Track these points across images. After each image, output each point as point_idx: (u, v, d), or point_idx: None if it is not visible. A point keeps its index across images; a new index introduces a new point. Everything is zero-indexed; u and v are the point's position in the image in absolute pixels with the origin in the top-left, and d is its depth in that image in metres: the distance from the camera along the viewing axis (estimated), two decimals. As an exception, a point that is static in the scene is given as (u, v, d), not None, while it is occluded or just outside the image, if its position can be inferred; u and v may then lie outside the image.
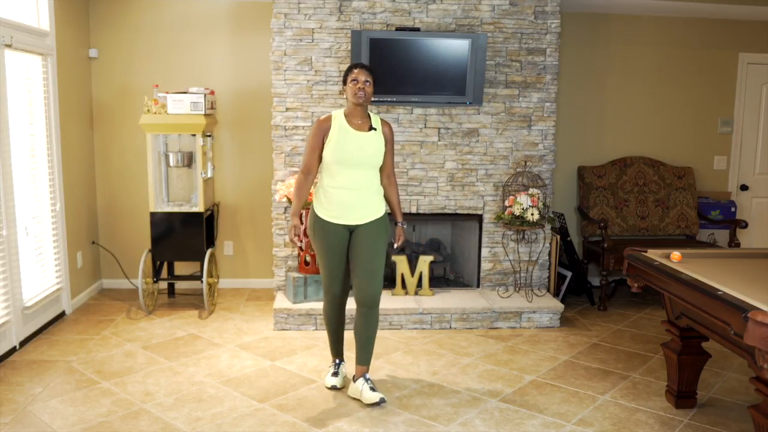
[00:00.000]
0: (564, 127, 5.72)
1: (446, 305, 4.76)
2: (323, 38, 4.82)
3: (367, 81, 3.40)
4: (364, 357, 3.58)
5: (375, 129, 3.47)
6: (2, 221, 3.96)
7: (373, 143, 3.45)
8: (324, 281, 3.61)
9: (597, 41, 5.74)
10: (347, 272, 3.58)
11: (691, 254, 3.46)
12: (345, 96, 3.50)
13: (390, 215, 3.67)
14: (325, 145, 3.44)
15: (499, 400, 3.61)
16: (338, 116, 3.46)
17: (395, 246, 3.67)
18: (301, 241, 3.64)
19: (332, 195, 3.45)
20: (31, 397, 3.53)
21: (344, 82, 3.46)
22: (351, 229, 3.51)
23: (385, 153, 3.51)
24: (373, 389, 3.50)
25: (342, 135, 3.41)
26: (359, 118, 3.47)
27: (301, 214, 4.52)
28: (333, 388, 3.68)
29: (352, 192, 3.44)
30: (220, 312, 5.06)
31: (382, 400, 3.47)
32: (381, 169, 3.55)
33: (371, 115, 3.52)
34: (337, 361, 3.78)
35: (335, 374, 3.73)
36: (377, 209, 3.52)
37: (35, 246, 4.49)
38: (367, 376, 3.57)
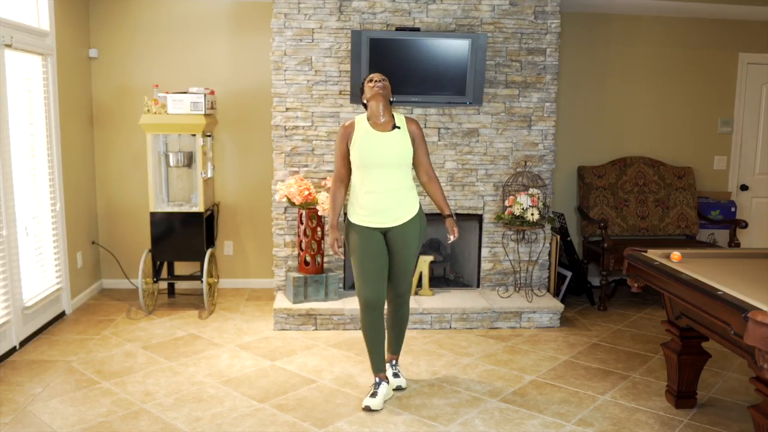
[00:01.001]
0: (564, 127, 5.73)
1: (446, 305, 4.76)
2: (323, 38, 4.82)
3: (383, 79, 3.45)
4: (394, 346, 3.75)
5: (399, 127, 3.44)
6: (2, 221, 3.96)
7: (397, 142, 3.41)
8: (357, 287, 3.48)
9: (597, 41, 5.74)
10: (383, 276, 3.49)
11: (691, 254, 3.46)
12: (364, 102, 3.47)
13: (436, 213, 3.67)
14: (350, 150, 3.43)
15: (499, 400, 3.61)
16: (361, 120, 3.46)
17: (450, 239, 3.61)
18: (340, 253, 3.58)
19: (363, 199, 3.43)
20: (31, 397, 3.53)
21: (361, 92, 3.48)
22: (384, 231, 3.47)
23: (416, 150, 3.48)
24: (396, 375, 3.70)
25: (365, 137, 3.40)
26: (382, 118, 3.43)
27: (307, 216, 4.52)
28: (367, 409, 3.43)
29: (382, 194, 3.41)
30: (220, 312, 5.06)
31: (399, 387, 3.67)
32: (417, 167, 3.53)
33: (395, 114, 3.49)
34: (378, 380, 3.53)
35: (374, 395, 3.47)
36: (410, 209, 3.49)
37: (35, 246, 4.49)
38: (395, 362, 3.74)
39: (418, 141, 3.49)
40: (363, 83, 3.50)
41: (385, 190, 3.41)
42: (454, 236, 3.60)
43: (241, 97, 5.48)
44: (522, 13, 4.91)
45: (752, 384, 2.71)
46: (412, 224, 3.49)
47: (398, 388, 3.67)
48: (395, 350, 3.76)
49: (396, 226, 3.46)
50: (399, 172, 3.43)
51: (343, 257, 3.76)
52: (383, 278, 3.48)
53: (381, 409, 3.45)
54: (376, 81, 3.43)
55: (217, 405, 3.48)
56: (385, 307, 3.58)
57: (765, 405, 2.67)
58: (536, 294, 5.01)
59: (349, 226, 3.51)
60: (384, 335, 3.56)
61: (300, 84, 4.86)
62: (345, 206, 4.04)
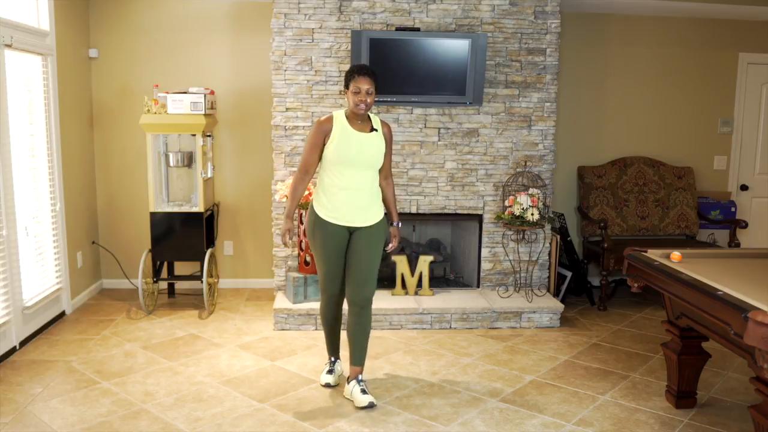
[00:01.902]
0: (564, 127, 5.72)
1: (446, 305, 4.75)
2: (323, 38, 4.82)
3: (369, 90, 3.38)
4: (357, 357, 3.57)
5: (376, 130, 3.48)
6: (2, 221, 3.96)
7: (374, 144, 3.46)
8: (321, 281, 3.61)
9: (597, 41, 5.74)
10: (343, 272, 3.58)
11: (691, 254, 3.46)
12: (341, 92, 3.49)
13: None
14: (326, 146, 3.43)
15: (499, 400, 3.61)
16: (339, 117, 3.46)
17: (389, 248, 3.66)
18: (294, 243, 3.64)
19: (335, 196, 3.45)
20: (31, 397, 3.53)
21: (346, 86, 3.43)
22: (351, 231, 3.51)
23: (385, 154, 3.53)
24: (364, 391, 3.49)
25: (344, 136, 3.41)
26: (361, 119, 3.47)
27: (301, 215, 4.52)
28: (327, 385, 3.72)
29: (354, 193, 3.45)
30: (220, 312, 5.06)
31: (371, 404, 3.43)
32: (379, 170, 3.56)
33: (371, 116, 3.53)
34: (333, 359, 3.81)
35: (330, 372, 3.77)
36: (378, 212, 3.54)
37: (35, 246, 4.49)
38: (360, 377, 3.56)
39: (389, 145, 3.55)
40: (348, 78, 3.40)
41: (355, 190, 3.45)
42: (393, 246, 3.67)
43: (241, 97, 5.48)
44: (522, 13, 4.91)
45: (752, 384, 2.71)
46: (379, 227, 3.54)
47: (370, 406, 3.43)
48: (359, 361, 3.57)
49: (364, 227, 3.49)
50: (369, 174, 3.48)
51: (290, 248, 3.78)
52: (343, 274, 3.58)
53: (336, 384, 3.70)
54: (361, 97, 3.36)
55: (217, 405, 3.48)
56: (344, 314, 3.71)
57: (765, 405, 2.67)
58: (536, 294, 5.01)
59: (315, 220, 3.51)
60: (341, 323, 3.78)
61: (300, 84, 4.86)
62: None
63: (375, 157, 3.46)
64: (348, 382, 3.59)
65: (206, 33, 5.40)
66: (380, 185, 3.60)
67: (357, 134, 3.43)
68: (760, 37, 5.89)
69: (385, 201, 3.65)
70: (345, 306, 3.79)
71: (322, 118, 3.49)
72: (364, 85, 3.36)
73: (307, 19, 4.80)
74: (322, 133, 3.43)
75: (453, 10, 4.86)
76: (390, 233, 3.67)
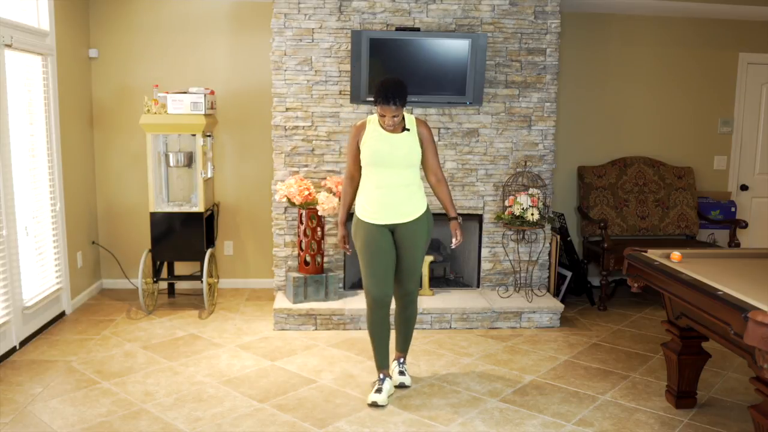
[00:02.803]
0: (564, 127, 5.72)
1: (446, 305, 4.76)
2: (323, 38, 4.82)
3: (394, 116, 3.37)
4: (401, 345, 3.75)
5: (408, 130, 3.48)
6: (2, 221, 3.96)
7: (405, 144, 3.46)
8: (365, 283, 3.53)
9: (597, 41, 5.74)
10: (391, 274, 3.53)
11: (691, 254, 3.46)
12: (374, 104, 3.46)
13: (440, 214, 3.70)
14: (360, 149, 3.49)
15: (499, 400, 3.61)
16: (372, 120, 3.52)
17: (453, 243, 3.63)
18: (348, 249, 3.67)
19: (371, 196, 3.49)
20: (31, 397, 3.53)
21: (374, 103, 3.38)
22: (392, 229, 3.52)
23: (425, 152, 3.52)
24: (401, 373, 3.71)
25: (375, 137, 3.46)
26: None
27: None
28: (374, 405, 3.47)
29: (388, 191, 3.46)
30: (220, 312, 5.06)
31: (401, 384, 3.67)
32: (425, 169, 3.58)
33: (406, 116, 3.52)
34: (382, 376, 3.60)
35: (378, 390, 3.52)
36: (416, 207, 3.52)
37: (35, 246, 4.49)
38: (402, 360, 3.75)
39: (427, 143, 3.52)
40: (376, 98, 3.35)
41: (392, 187, 3.46)
42: (457, 239, 3.62)
43: (241, 97, 5.48)
44: (522, 13, 4.91)
45: (752, 384, 2.71)
46: (420, 222, 3.53)
47: (401, 386, 3.68)
48: (403, 348, 3.77)
49: (404, 223, 3.50)
50: (407, 172, 3.48)
51: (350, 253, 3.80)
52: (390, 276, 3.53)
53: (386, 405, 3.48)
54: (387, 119, 3.36)
55: (217, 405, 3.48)
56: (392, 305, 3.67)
57: (765, 405, 2.67)
58: (536, 294, 5.01)
59: (356, 222, 3.56)
60: (389, 332, 3.61)
61: (300, 84, 4.86)
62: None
63: (408, 156, 3.45)
64: (392, 362, 3.74)
65: (206, 33, 5.40)
66: (431, 184, 3.61)
67: (387, 135, 3.46)
68: (760, 37, 5.89)
69: (439, 199, 3.65)
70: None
71: (357, 123, 3.57)
72: (389, 113, 3.37)
73: (307, 19, 4.80)
74: (356, 137, 3.51)
75: (453, 10, 4.86)
76: (451, 228, 3.63)
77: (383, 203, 3.47)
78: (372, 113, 4.75)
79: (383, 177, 3.46)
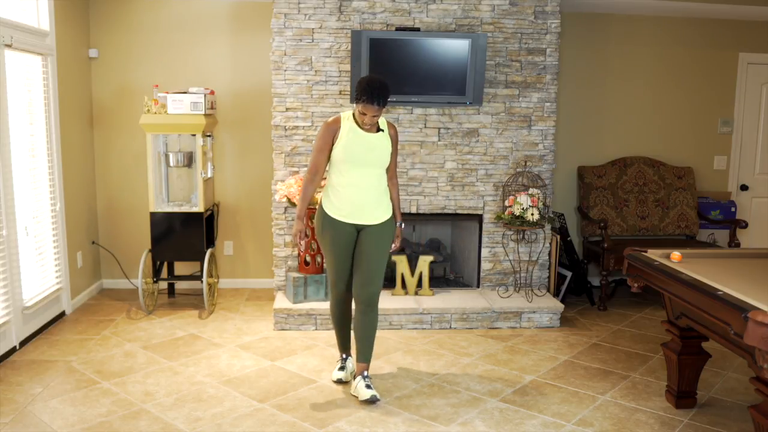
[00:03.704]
0: (564, 127, 5.72)
1: (446, 305, 4.75)
2: (323, 38, 4.82)
3: (375, 115, 3.41)
4: (363, 355, 3.61)
5: (382, 130, 3.53)
6: (2, 221, 3.96)
7: (380, 144, 3.51)
8: (330, 278, 3.66)
9: (597, 41, 5.74)
10: (351, 270, 3.62)
11: (691, 254, 3.46)
12: (353, 103, 3.50)
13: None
14: (334, 146, 3.49)
15: (499, 400, 3.61)
16: (347, 118, 3.52)
17: (393, 247, 3.68)
18: (306, 244, 3.68)
19: (343, 194, 3.51)
20: (31, 397, 3.53)
21: (357, 99, 3.38)
22: (359, 229, 3.56)
23: (391, 154, 3.56)
24: (368, 387, 3.52)
25: (351, 136, 3.47)
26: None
27: (310, 216, 4.52)
28: (339, 381, 3.75)
29: (362, 191, 3.50)
30: (220, 312, 5.06)
31: (374, 398, 3.48)
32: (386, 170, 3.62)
33: None
34: (344, 356, 3.84)
35: (342, 368, 3.80)
36: (386, 211, 3.58)
37: (35, 246, 4.49)
38: (366, 373, 3.60)
39: (394, 145, 3.59)
40: (358, 97, 3.36)
41: (365, 187, 3.50)
42: (396, 246, 3.68)
43: (241, 97, 5.48)
44: (522, 13, 4.91)
45: (752, 384, 2.71)
46: (387, 225, 3.59)
47: (373, 400, 3.47)
48: (365, 358, 3.61)
49: (372, 225, 3.54)
50: (376, 173, 3.53)
51: (303, 248, 3.81)
52: (352, 272, 3.61)
53: (348, 381, 3.71)
54: (367, 118, 3.39)
55: (217, 405, 3.48)
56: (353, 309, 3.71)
57: (765, 405, 2.67)
58: (536, 294, 5.01)
59: (324, 218, 3.56)
60: (350, 320, 3.75)
61: (300, 84, 4.86)
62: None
63: (381, 156, 3.51)
64: (353, 378, 3.64)
65: (206, 33, 5.40)
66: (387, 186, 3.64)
67: (364, 134, 3.48)
68: (760, 37, 5.89)
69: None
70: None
71: (330, 119, 3.55)
72: (371, 112, 3.39)
73: (307, 19, 4.80)
74: (330, 133, 3.50)
75: (453, 10, 4.86)
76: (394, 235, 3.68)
77: (354, 203, 3.50)
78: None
79: (356, 176, 3.48)
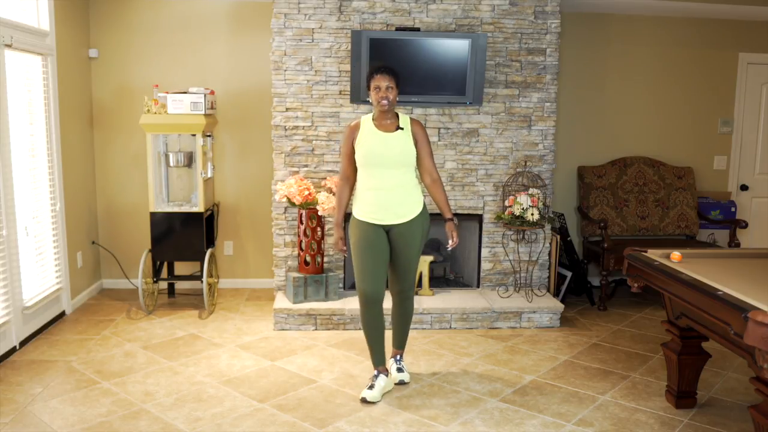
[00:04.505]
0: (564, 127, 5.72)
1: (446, 305, 4.75)
2: (323, 38, 4.82)
3: (388, 86, 3.41)
4: (397, 341, 3.79)
5: (402, 129, 3.48)
6: (2, 221, 3.96)
7: (399, 143, 3.46)
8: (357, 281, 3.55)
9: (597, 41, 5.74)
10: (383, 272, 3.54)
11: (691, 254, 3.46)
12: (368, 99, 3.50)
13: (438, 214, 3.70)
14: (355, 149, 3.49)
15: (499, 400, 3.61)
16: (366, 120, 3.52)
17: (449, 245, 3.59)
18: (345, 251, 3.65)
19: (366, 196, 3.50)
20: (31, 397, 3.53)
21: (368, 87, 3.46)
22: (387, 229, 3.52)
23: (419, 152, 3.51)
24: (400, 370, 3.73)
25: (368, 137, 3.46)
26: (386, 119, 3.49)
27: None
28: (363, 401, 3.50)
29: (384, 192, 3.47)
30: (220, 312, 5.06)
31: (401, 382, 3.71)
32: (420, 168, 3.57)
33: (400, 115, 3.53)
34: (376, 372, 3.61)
35: (371, 387, 3.55)
36: (412, 208, 3.52)
37: (35, 246, 4.49)
38: (399, 357, 3.79)
39: (421, 142, 3.51)
40: (369, 79, 3.46)
41: (387, 188, 3.46)
42: (453, 241, 3.59)
43: (241, 97, 5.48)
44: (522, 13, 4.91)
45: (752, 384, 2.71)
46: (415, 223, 3.53)
47: (401, 383, 3.72)
48: (400, 344, 3.80)
49: (399, 224, 3.50)
50: (401, 172, 3.48)
51: (346, 255, 3.80)
52: (383, 273, 3.54)
53: (378, 402, 3.51)
54: (382, 94, 3.41)
55: (217, 405, 3.48)
56: (389, 302, 3.73)
57: (765, 405, 2.67)
58: (536, 294, 5.01)
59: (353, 222, 3.57)
60: (383, 329, 3.62)
61: (300, 84, 4.86)
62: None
63: (402, 155, 3.45)
64: (389, 360, 3.79)
65: (206, 33, 5.40)
66: (426, 184, 3.60)
67: (381, 134, 3.46)
68: (760, 37, 5.89)
69: (434, 200, 3.62)
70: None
71: (351, 123, 3.56)
72: (383, 82, 3.40)
73: (307, 19, 4.80)
74: (350, 137, 3.51)
75: (453, 10, 4.86)
76: (446, 230, 3.60)
77: (378, 204, 3.47)
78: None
79: (378, 177, 3.46)
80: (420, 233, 3.55)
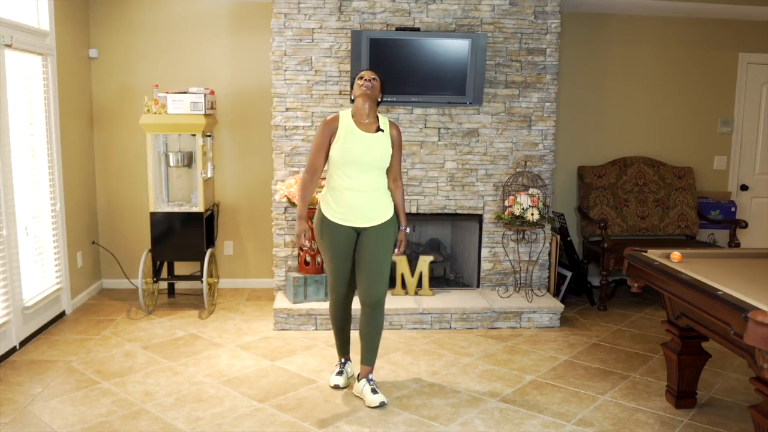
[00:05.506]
0: (564, 127, 5.73)
1: (446, 305, 4.75)
2: (323, 38, 4.82)
3: (373, 78, 3.44)
4: (368, 357, 3.56)
5: (382, 130, 3.45)
6: (2, 221, 3.96)
7: (379, 145, 3.42)
8: (330, 281, 3.59)
9: (597, 41, 5.74)
10: (353, 272, 3.54)
11: (691, 254, 3.46)
12: (352, 98, 3.48)
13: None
14: (331, 145, 3.43)
15: (499, 400, 3.61)
16: (345, 116, 3.45)
17: (396, 252, 3.61)
18: (310, 244, 3.62)
19: (340, 196, 3.44)
20: (31, 397, 3.53)
21: (352, 87, 3.49)
22: (358, 231, 3.49)
23: (392, 155, 3.48)
24: (374, 391, 3.49)
25: (349, 135, 3.40)
26: (366, 119, 3.44)
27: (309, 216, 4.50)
28: (336, 387, 3.68)
29: (359, 193, 3.42)
30: (220, 312, 5.06)
31: (382, 404, 3.46)
32: (387, 172, 3.52)
33: (379, 116, 3.50)
34: (343, 360, 3.78)
35: (339, 373, 3.73)
36: (385, 212, 3.49)
37: (35, 246, 4.49)
38: (371, 377, 3.55)
39: (396, 146, 3.50)
40: (353, 81, 3.51)
41: (362, 189, 3.42)
42: (399, 250, 3.61)
43: (241, 97, 5.48)
44: (522, 13, 4.91)
45: (752, 384, 2.71)
46: (388, 226, 3.50)
47: (381, 405, 3.45)
48: (369, 361, 3.56)
49: (371, 227, 3.47)
50: (377, 175, 3.45)
51: (307, 249, 3.78)
52: (353, 273, 3.55)
53: (346, 387, 3.68)
54: (365, 80, 3.42)
55: (217, 405, 3.48)
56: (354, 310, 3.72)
57: (765, 405, 2.67)
58: (536, 294, 5.01)
59: (322, 221, 3.51)
60: (350, 323, 3.74)
61: (300, 84, 4.86)
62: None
63: (381, 157, 3.42)
64: (358, 380, 3.59)
65: (206, 33, 5.40)
66: (389, 188, 3.54)
67: (362, 134, 3.41)
68: (760, 37, 5.89)
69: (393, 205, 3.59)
70: (355, 306, 3.74)
71: (328, 117, 3.49)
72: (368, 74, 3.44)
73: (307, 19, 4.80)
74: (328, 132, 3.43)
75: (453, 10, 4.86)
76: (397, 237, 3.59)
77: (351, 206, 3.42)
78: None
79: (354, 178, 3.40)
80: (392, 236, 3.52)
